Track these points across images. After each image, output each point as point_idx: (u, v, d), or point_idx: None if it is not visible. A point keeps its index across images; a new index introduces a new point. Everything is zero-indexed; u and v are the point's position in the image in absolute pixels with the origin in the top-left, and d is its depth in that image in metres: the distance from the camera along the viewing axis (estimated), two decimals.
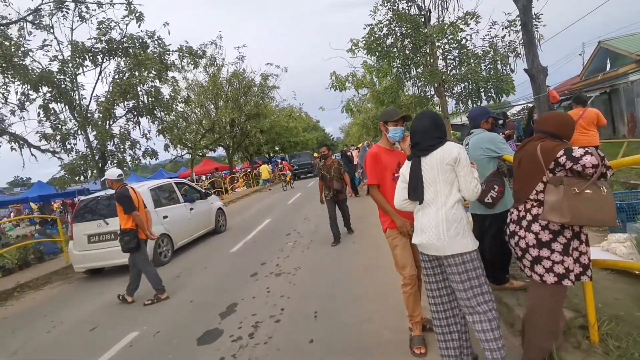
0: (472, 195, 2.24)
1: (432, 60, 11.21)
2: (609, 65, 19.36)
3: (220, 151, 28.17)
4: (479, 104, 11.36)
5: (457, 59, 10.78)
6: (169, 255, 7.42)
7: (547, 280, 2.17)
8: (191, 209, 8.60)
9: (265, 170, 24.77)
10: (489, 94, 10.31)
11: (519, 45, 10.91)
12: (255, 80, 24.93)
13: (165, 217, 7.54)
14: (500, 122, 6.82)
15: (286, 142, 35.53)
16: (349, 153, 14.47)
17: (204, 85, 22.85)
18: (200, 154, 22.92)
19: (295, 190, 19.05)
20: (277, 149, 39.08)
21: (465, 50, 10.39)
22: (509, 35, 10.79)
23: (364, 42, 10.65)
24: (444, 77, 11.11)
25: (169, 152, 15.71)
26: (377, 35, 10.51)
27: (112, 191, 6.27)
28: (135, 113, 12.52)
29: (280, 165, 26.67)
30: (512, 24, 10.65)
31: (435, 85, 11.02)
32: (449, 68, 11.02)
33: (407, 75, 11.21)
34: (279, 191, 19.83)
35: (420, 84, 11.34)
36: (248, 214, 12.84)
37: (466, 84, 11.54)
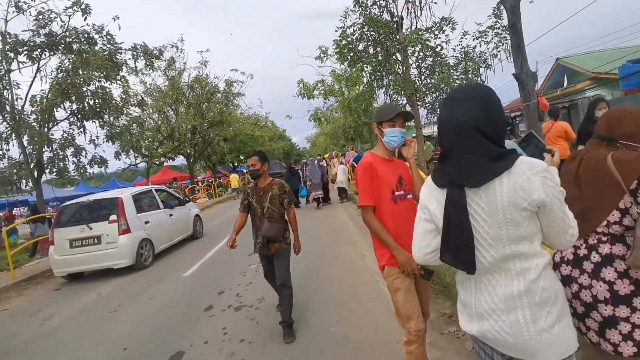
0: (565, 245, 1.33)
1: (404, 69, 10.82)
2: (566, 81, 20.11)
3: (181, 160, 26.66)
4: None
5: (430, 67, 10.43)
6: (149, 259, 7.61)
7: (623, 352, 1.50)
8: (170, 214, 8.76)
9: (235, 179, 24.65)
10: None
11: (490, 56, 10.80)
12: (219, 87, 23.89)
13: (146, 222, 7.74)
14: (509, 128, 6.38)
15: (251, 151, 34.27)
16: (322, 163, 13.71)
17: (163, 90, 21.49)
18: (158, 162, 21.40)
19: None
20: (242, 158, 37.84)
21: (440, 58, 10.06)
22: (480, 46, 10.66)
23: (335, 45, 10.05)
24: (416, 86, 10.73)
25: (120, 159, 14.30)
26: (349, 39, 9.96)
27: (94, 196, 7.57)
28: (79, 116, 11.17)
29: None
30: (483, 34, 10.52)
31: (408, 94, 10.62)
32: (422, 76, 10.65)
33: (380, 83, 10.73)
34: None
35: (392, 92, 10.89)
36: (211, 225, 11.75)
37: (438, 93, 11.26)
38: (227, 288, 5.30)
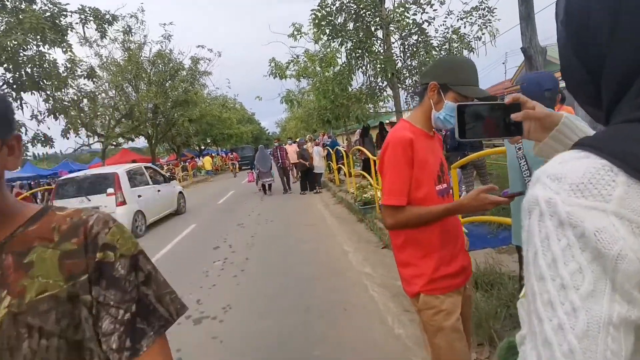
0: None
1: (385, 47, 10.08)
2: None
3: (143, 141, 24.89)
4: None
5: (414, 46, 9.74)
6: (143, 229, 8.38)
7: None
8: (158, 190, 9.56)
9: (208, 161, 26.54)
10: None
11: (473, 39, 10.24)
12: (184, 64, 22.27)
13: (139, 196, 8.49)
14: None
15: (218, 134, 32.86)
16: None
17: (121, 64, 19.66)
18: (115, 143, 19.71)
19: (239, 178, 21.62)
20: (208, 141, 36.15)
21: (424, 36, 9.38)
22: (464, 27, 10.09)
23: (313, 16, 9.12)
24: (397, 67, 10.04)
25: (68, 138, 12.74)
26: (328, 9, 9.06)
27: (92, 172, 8.74)
28: (14, 86, 9.65)
29: (231, 156, 30.27)
30: (468, 15, 9.94)
31: (389, 75, 9.91)
32: (406, 55, 9.95)
33: (359, 62, 9.94)
34: (221, 180, 22.57)
35: (373, 72, 10.15)
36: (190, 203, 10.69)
37: (418, 77, 10.61)
38: (186, 292, 4.43)
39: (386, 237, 5.21)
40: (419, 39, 9.50)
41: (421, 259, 1.50)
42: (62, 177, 8.53)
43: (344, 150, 10.67)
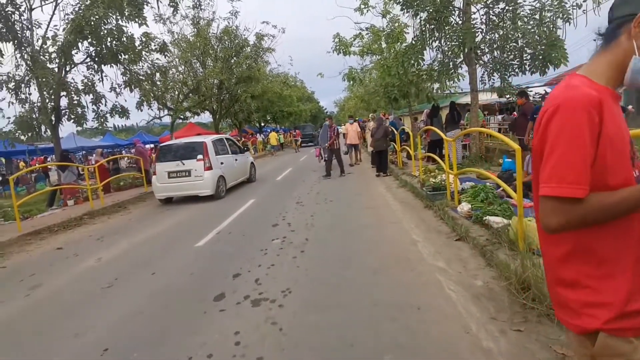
0: None
1: (464, 18, 9.10)
2: None
3: (207, 116, 25.80)
4: (514, 76, 9.39)
5: (499, 15, 8.65)
6: (224, 191, 9.74)
7: None
8: (236, 159, 10.88)
9: (273, 137, 28.25)
10: (536, 64, 8.27)
11: (572, 7, 8.81)
12: (249, 40, 22.39)
13: (222, 163, 9.77)
14: None
15: (278, 111, 33.10)
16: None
17: (191, 40, 20.21)
18: (182, 117, 20.55)
19: (301, 154, 23.15)
20: (268, 118, 36.65)
21: (515, 3, 8.27)
22: None
23: None
24: (477, 40, 9.04)
25: (142, 110, 13.40)
26: None
27: (184, 140, 10.15)
28: (96, 59, 10.17)
29: (294, 133, 33.14)
30: None
31: (467, 49, 8.95)
32: (489, 27, 8.90)
33: (436, 35, 9.09)
34: (283, 155, 24.38)
35: (448, 46, 9.24)
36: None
37: (499, 52, 9.50)
38: (244, 268, 4.30)
39: (460, 228, 4.66)
40: (507, 7, 8.40)
41: (603, 280, 1.04)
42: (162, 144, 10.04)
43: (410, 131, 9.97)
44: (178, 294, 3.85)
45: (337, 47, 15.94)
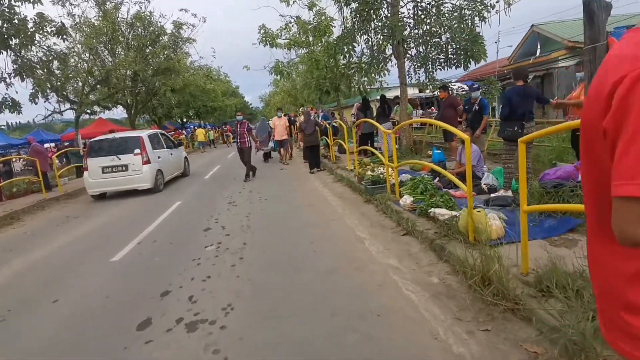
0: None
1: (393, 12, 9.18)
2: (539, 50, 19.58)
3: (122, 111, 23.33)
4: (439, 70, 9.75)
5: (425, 10, 8.87)
6: (162, 185, 9.78)
7: None
8: (171, 154, 10.89)
9: (201, 133, 26.77)
10: (461, 58, 8.64)
11: (486, 8, 9.37)
12: (166, 28, 20.66)
13: (158, 157, 9.79)
14: None
15: (202, 106, 31.31)
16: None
17: (95, 24, 17.97)
18: (90, 111, 18.27)
19: (232, 149, 20.06)
20: (191, 114, 34.51)
21: None
22: None
23: None
24: (405, 33, 9.18)
25: (36, 103, 11.46)
26: None
27: (119, 135, 10.13)
28: None
29: (225, 128, 32.87)
30: None
31: (396, 42, 9.05)
32: (417, 20, 9.08)
33: (363, 26, 9.03)
34: (212, 152, 23.60)
35: (378, 38, 9.26)
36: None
37: (424, 47, 9.81)
38: (174, 284, 3.68)
39: (406, 222, 4.55)
40: (432, 2, 8.62)
41: None
42: (94, 139, 9.72)
43: (343, 125, 9.86)
44: (89, 325, 3.13)
45: (263, 38, 15.34)
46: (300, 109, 15.92)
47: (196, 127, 32.24)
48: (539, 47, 19.58)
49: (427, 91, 26.34)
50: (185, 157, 12.45)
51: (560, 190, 4.00)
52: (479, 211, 3.58)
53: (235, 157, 17.92)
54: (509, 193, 5.13)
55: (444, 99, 8.64)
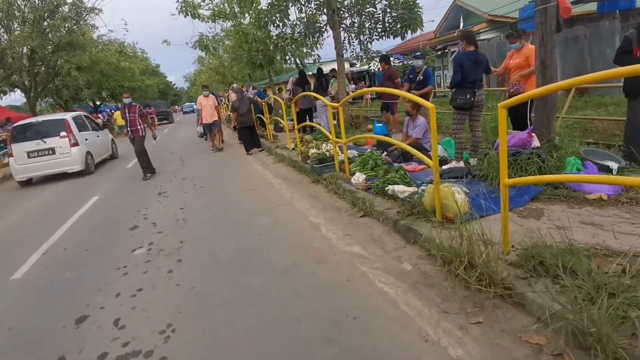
0: None
1: None
2: (462, 23, 20.31)
3: (20, 95, 20.05)
4: (376, 40, 9.46)
5: None
6: (93, 167, 9.77)
7: None
8: (98, 136, 10.74)
9: (119, 116, 22.30)
10: (399, 27, 8.37)
11: None
12: None
13: (86, 139, 9.69)
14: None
15: (117, 86, 28.17)
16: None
17: None
18: None
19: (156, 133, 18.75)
20: (104, 95, 30.97)
21: None
22: None
23: None
24: (340, 1, 8.69)
25: None
26: None
27: (42, 117, 10.40)
28: None
29: (149, 110, 25.72)
30: None
31: (331, 10, 8.51)
32: None
33: None
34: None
35: (311, 7, 8.64)
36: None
37: (359, 16, 9.44)
38: (94, 304, 2.94)
39: (363, 202, 4.19)
40: None
41: None
42: (16, 124, 9.65)
43: (280, 101, 9.21)
44: None
45: (183, 8, 13.82)
46: (231, 87, 14.73)
47: (113, 111, 29.14)
48: (461, 20, 20.31)
49: (358, 65, 26.33)
50: (112, 140, 12.30)
51: (518, 158, 3.89)
52: (445, 186, 3.30)
53: (161, 142, 16.40)
54: (461, 164, 5.02)
55: (385, 70, 8.38)
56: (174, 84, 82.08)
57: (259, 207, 5.00)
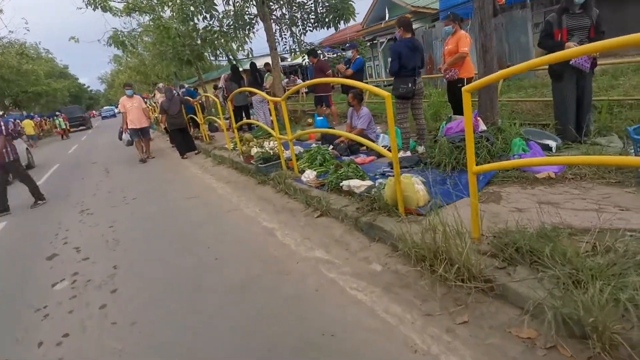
0: None
1: None
2: (387, 15, 20.84)
3: None
4: (310, 31, 9.24)
5: None
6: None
7: None
8: None
9: (29, 125, 21.66)
10: (332, 17, 8.20)
11: None
12: None
13: None
14: None
15: (20, 92, 24.95)
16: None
17: None
18: None
19: (71, 142, 18.10)
20: (7, 103, 27.24)
21: None
22: None
23: None
24: None
25: None
26: None
27: None
28: None
29: (60, 118, 25.29)
30: None
31: (260, 2, 8.09)
32: None
33: None
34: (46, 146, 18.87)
35: None
36: None
37: (290, 7, 9.15)
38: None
39: (318, 201, 3.94)
40: None
41: None
42: None
43: (216, 99, 8.59)
44: None
45: (91, 0, 12.41)
46: (157, 87, 13.53)
47: (19, 120, 25.73)
48: (387, 12, 20.85)
49: (290, 59, 25.96)
50: (27, 148, 11.67)
51: None
52: (405, 178, 3.16)
53: (79, 151, 14.76)
54: (409, 153, 4.98)
55: (314, 64, 8.20)
56: (88, 87, 75.37)
57: (203, 216, 4.53)
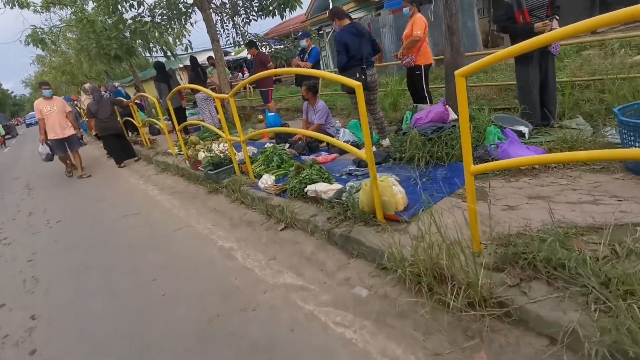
0: None
1: None
2: (331, 3, 20.46)
3: None
4: (255, 20, 8.59)
5: None
6: None
7: None
8: None
9: None
10: (278, 4, 7.60)
11: None
12: None
13: None
14: None
15: None
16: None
17: None
18: None
19: None
20: None
21: None
22: None
23: None
24: None
25: None
26: None
27: None
28: None
29: None
30: None
31: None
32: None
33: None
34: None
35: None
36: None
37: None
38: None
39: (280, 211, 3.44)
40: None
41: None
42: None
43: (155, 101, 7.68)
44: None
45: None
46: (83, 87, 12.06)
47: None
48: (330, 1, 20.46)
49: (233, 53, 24.80)
50: None
51: (442, 134, 3.56)
52: (382, 179, 2.74)
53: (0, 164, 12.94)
54: (374, 148, 4.60)
55: (254, 56, 7.62)
56: (12, 92, 68.42)
57: (146, 238, 3.85)
